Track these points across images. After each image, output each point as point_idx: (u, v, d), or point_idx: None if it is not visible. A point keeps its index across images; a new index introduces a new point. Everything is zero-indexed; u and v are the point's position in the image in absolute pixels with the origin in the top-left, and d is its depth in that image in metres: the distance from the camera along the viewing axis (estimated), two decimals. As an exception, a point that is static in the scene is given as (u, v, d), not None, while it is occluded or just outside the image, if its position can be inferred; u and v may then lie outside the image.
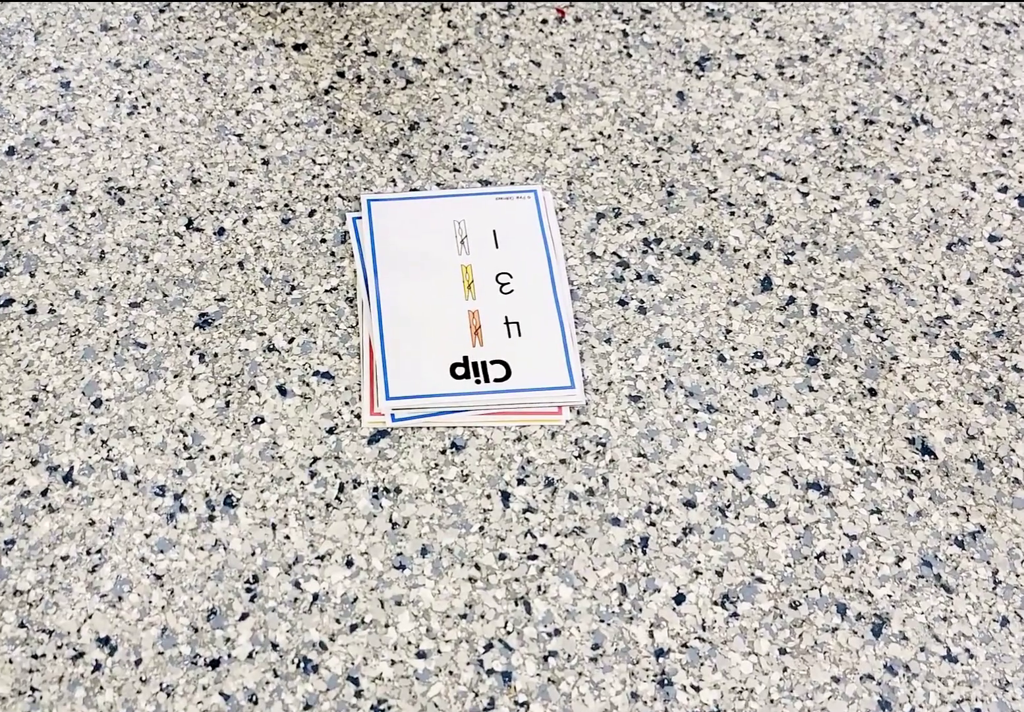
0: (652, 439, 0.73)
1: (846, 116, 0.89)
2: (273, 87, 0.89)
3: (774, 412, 0.74)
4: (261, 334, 0.77)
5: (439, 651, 0.66)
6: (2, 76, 0.88)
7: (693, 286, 0.80)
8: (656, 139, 0.87)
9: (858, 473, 0.72)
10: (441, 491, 0.71)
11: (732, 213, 0.83)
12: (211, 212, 0.82)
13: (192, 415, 0.73)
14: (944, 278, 0.81)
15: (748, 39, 0.93)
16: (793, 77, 0.91)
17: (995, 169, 0.86)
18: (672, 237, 0.82)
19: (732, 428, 0.73)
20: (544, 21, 0.94)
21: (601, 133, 0.88)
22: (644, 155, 0.86)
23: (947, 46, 0.93)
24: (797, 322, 0.78)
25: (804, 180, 0.85)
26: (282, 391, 0.74)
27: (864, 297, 0.79)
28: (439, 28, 0.93)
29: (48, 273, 0.79)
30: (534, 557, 0.69)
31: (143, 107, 0.87)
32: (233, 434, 0.72)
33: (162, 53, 0.90)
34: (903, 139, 0.88)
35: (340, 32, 0.92)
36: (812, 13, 0.94)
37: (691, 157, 0.86)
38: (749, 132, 0.88)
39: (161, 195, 0.83)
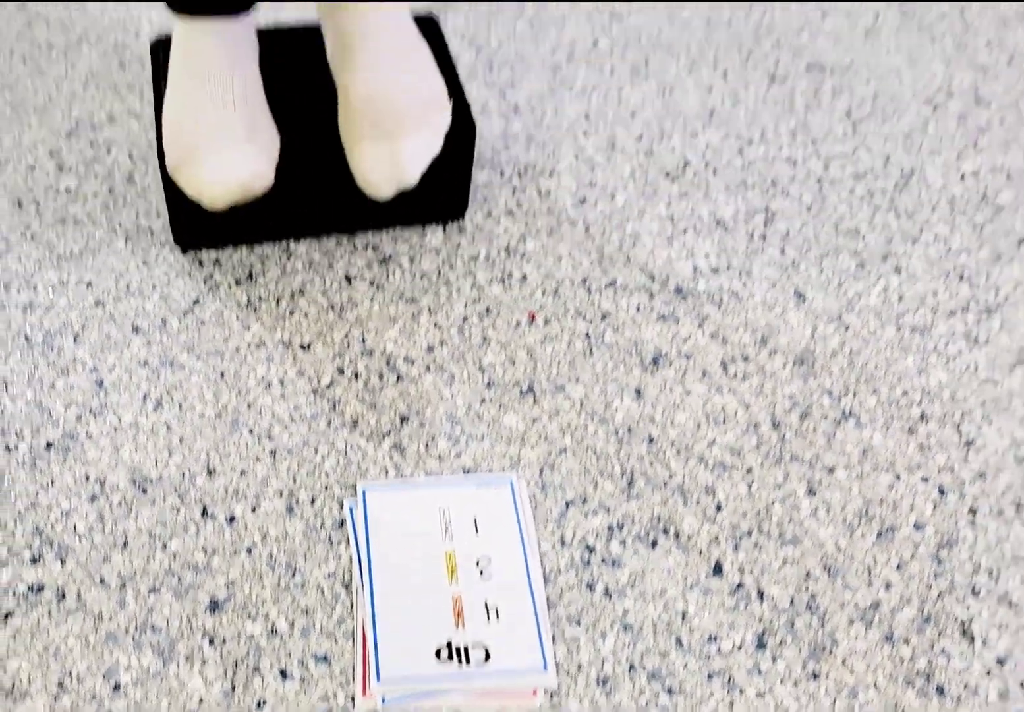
0: (618, 720, 0.81)
1: (784, 410, 1.01)
2: (281, 382, 1.01)
3: (728, 693, 0.82)
4: (265, 618, 0.85)
5: None
6: (44, 375, 1.00)
7: (652, 570, 0.90)
8: (617, 431, 0.99)
9: (804, 753, 0.80)
10: (426, 772, 0.78)
11: (685, 501, 0.94)
12: (223, 500, 0.92)
13: (201, 699, 0.80)
14: (876, 564, 0.91)
15: (695, 340, 1.07)
16: (736, 374, 1.04)
17: (916, 461, 0.98)
18: (633, 523, 0.93)
19: (691, 710, 0.81)
20: (518, 323, 1.07)
21: (568, 425, 0.99)
22: (607, 446, 0.98)
23: (869, 347, 1.07)
24: (746, 606, 0.88)
25: (748, 470, 0.97)
26: (283, 674, 0.82)
27: (805, 582, 0.89)
28: (427, 328, 1.06)
29: (77, 561, 0.87)
30: None
31: (167, 402, 0.99)
32: (237, 717, 0.80)
33: (185, 352, 1.02)
34: (835, 432, 1.00)
35: (340, 332, 1.05)
36: (751, 316, 1.09)
37: (648, 448, 0.98)
38: (698, 425, 1.00)
39: (180, 484, 0.93)
